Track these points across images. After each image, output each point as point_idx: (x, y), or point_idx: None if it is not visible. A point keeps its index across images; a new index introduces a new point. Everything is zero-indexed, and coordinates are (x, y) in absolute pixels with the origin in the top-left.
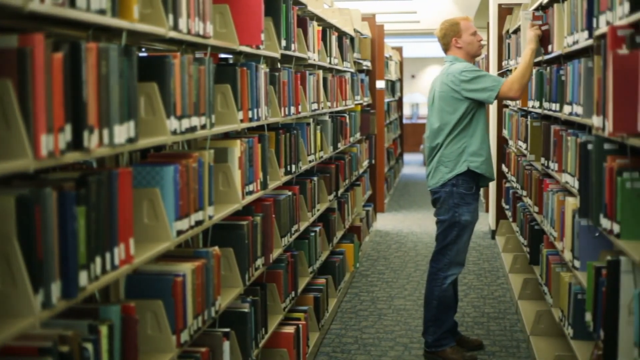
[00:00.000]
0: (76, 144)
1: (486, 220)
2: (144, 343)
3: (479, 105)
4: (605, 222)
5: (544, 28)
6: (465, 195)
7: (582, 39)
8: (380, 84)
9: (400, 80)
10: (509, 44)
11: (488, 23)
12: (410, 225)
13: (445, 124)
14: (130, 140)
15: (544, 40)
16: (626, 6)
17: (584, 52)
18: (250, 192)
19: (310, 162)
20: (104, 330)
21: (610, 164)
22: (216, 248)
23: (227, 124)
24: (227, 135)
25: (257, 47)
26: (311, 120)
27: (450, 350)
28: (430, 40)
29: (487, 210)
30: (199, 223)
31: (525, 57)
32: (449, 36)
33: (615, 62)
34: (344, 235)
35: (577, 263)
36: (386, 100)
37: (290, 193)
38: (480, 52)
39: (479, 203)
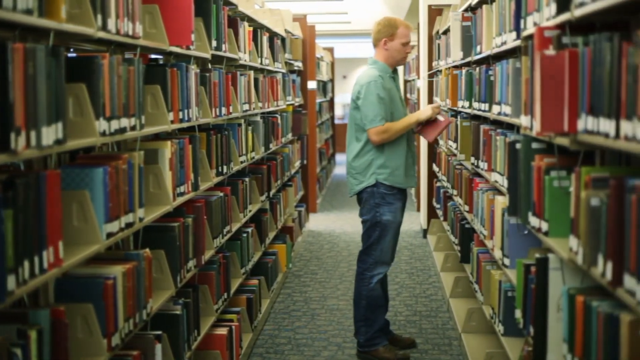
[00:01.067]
0: (3, 145)
1: (418, 220)
2: (75, 347)
3: (391, 116)
4: (533, 220)
5: (441, 118)
6: (386, 195)
7: (510, 40)
8: (311, 85)
9: (332, 80)
10: (438, 44)
11: (418, 24)
12: (343, 225)
13: (353, 134)
14: (59, 142)
15: (432, 126)
16: (553, 7)
17: (512, 53)
18: (182, 194)
19: (241, 162)
20: (33, 334)
21: (538, 163)
22: (147, 250)
23: (158, 125)
24: (158, 137)
25: (188, 48)
26: (243, 121)
27: (382, 349)
28: (361, 40)
29: (418, 210)
30: (129, 225)
31: (407, 122)
32: (381, 35)
33: (543, 63)
34: (277, 236)
35: (506, 261)
36: (318, 100)
37: (222, 194)
38: (403, 62)
39: (410, 202)
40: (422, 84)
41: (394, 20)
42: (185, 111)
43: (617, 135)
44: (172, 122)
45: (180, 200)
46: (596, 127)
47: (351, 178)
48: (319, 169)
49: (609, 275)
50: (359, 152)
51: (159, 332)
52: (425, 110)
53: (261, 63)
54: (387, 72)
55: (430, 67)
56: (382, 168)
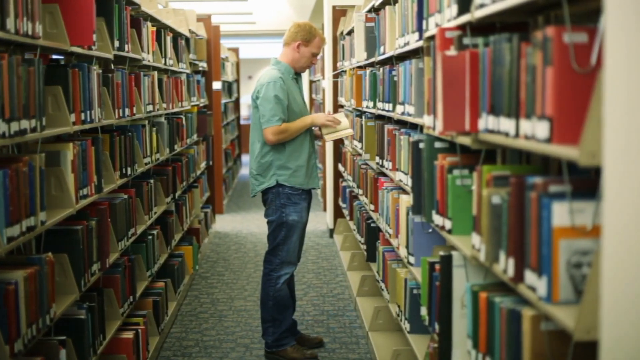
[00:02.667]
0: None
1: (324, 219)
2: None
3: (289, 116)
4: (437, 219)
5: (344, 123)
6: (291, 196)
7: (413, 41)
8: (216, 85)
9: (237, 81)
10: (343, 45)
11: (323, 24)
12: (249, 226)
13: (255, 134)
14: None
15: (334, 131)
16: (454, 9)
17: (415, 53)
18: (85, 196)
19: (146, 164)
20: None
21: (441, 162)
22: (50, 254)
23: (59, 126)
24: (59, 138)
25: (89, 48)
26: (147, 122)
27: (290, 350)
28: (266, 41)
29: (324, 210)
30: (30, 229)
31: (301, 124)
32: (298, 37)
33: (444, 63)
34: (183, 238)
35: (411, 259)
36: (223, 101)
37: (126, 196)
38: (304, 70)
39: (317, 202)
40: (327, 84)
41: (314, 29)
42: (88, 112)
43: (517, 134)
44: (74, 123)
45: (83, 202)
46: (497, 126)
47: (252, 178)
48: (225, 169)
49: (510, 271)
50: (260, 152)
51: (63, 338)
52: (319, 118)
53: (165, 63)
54: (290, 73)
55: (334, 68)
56: (283, 169)
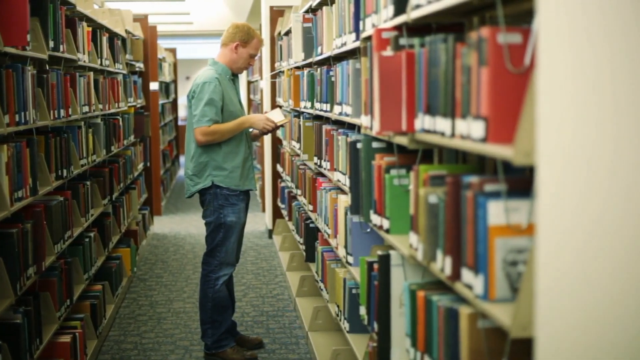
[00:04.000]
0: None
1: (263, 220)
2: None
3: (225, 117)
4: (375, 218)
5: (278, 121)
6: (229, 197)
7: (350, 41)
8: (154, 86)
9: (175, 81)
10: (281, 45)
11: (260, 25)
12: (188, 227)
13: (191, 135)
14: None
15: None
16: (390, 9)
17: (353, 54)
18: (20, 199)
19: (82, 166)
20: None
21: (379, 162)
22: None
23: None
24: None
25: (23, 48)
26: (83, 123)
27: (230, 351)
28: (204, 41)
29: (263, 210)
30: None
31: (235, 125)
32: (236, 38)
33: (381, 64)
34: (120, 240)
35: (350, 259)
36: (160, 102)
37: (62, 198)
38: (241, 72)
39: (255, 202)
40: (265, 85)
41: (252, 30)
42: (22, 113)
43: (453, 134)
44: (7, 125)
45: (18, 205)
46: (433, 126)
47: (187, 179)
48: (162, 171)
49: (447, 270)
50: (196, 153)
51: None
52: (257, 124)
53: (101, 64)
54: (227, 74)
55: (272, 68)
56: (218, 170)
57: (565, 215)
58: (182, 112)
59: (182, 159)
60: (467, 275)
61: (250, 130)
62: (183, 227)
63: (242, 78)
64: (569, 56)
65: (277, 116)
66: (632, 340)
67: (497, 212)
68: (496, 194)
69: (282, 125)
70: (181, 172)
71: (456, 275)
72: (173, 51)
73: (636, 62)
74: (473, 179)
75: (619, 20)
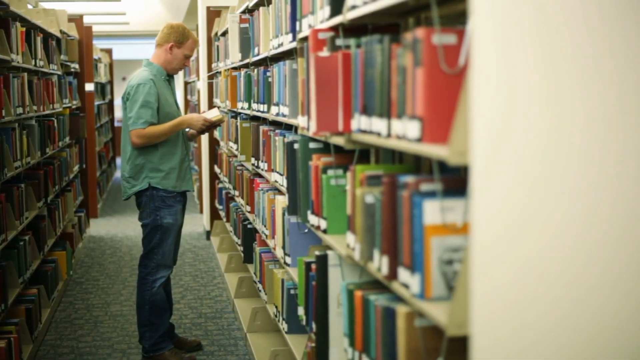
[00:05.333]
0: None
1: (201, 222)
2: None
3: (161, 118)
4: (313, 219)
5: (214, 118)
6: (166, 198)
7: (287, 42)
8: (89, 87)
9: (111, 82)
10: (218, 46)
11: (197, 25)
12: (125, 230)
13: (126, 136)
14: None
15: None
16: (326, 10)
17: (289, 54)
18: None
19: (16, 168)
20: None
21: (316, 163)
22: None
23: None
24: None
25: None
26: (16, 125)
27: (168, 353)
28: (140, 42)
29: (201, 212)
30: None
31: (170, 127)
32: (171, 38)
33: (317, 64)
34: (56, 243)
35: (288, 259)
36: (96, 103)
37: None
38: (176, 73)
39: (193, 204)
40: (202, 85)
41: (187, 31)
42: None
43: (389, 134)
44: None
45: None
46: (369, 126)
47: (124, 181)
48: (99, 172)
49: (384, 269)
50: (132, 154)
51: None
52: (194, 124)
53: (35, 65)
54: (162, 74)
55: (209, 69)
56: (155, 171)
57: (500, 214)
58: (118, 114)
59: (118, 160)
60: (403, 274)
61: (187, 130)
62: (120, 229)
63: (179, 79)
64: (503, 57)
65: (214, 115)
66: (566, 336)
67: (432, 211)
68: (432, 193)
69: (218, 125)
70: (118, 174)
71: (393, 274)
72: (109, 52)
73: (568, 61)
74: (409, 179)
75: (551, 20)
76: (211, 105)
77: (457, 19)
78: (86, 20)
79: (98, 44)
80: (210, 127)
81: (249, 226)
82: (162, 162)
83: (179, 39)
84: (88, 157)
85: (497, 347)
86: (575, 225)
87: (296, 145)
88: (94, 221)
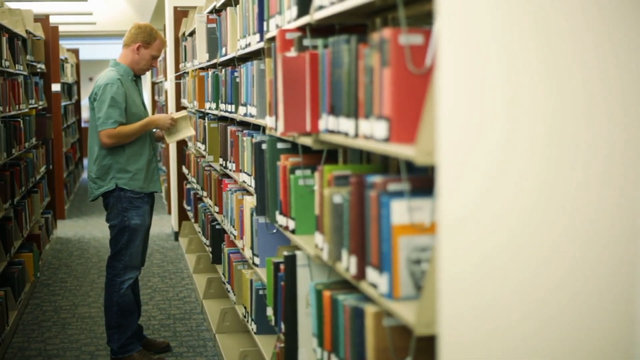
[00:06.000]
0: None
1: (169, 222)
2: None
3: (128, 118)
4: (281, 219)
5: (178, 115)
6: (133, 199)
7: (254, 42)
8: (56, 87)
9: (78, 83)
10: (185, 46)
11: (165, 25)
12: (92, 231)
13: (93, 137)
14: None
15: (176, 133)
16: (294, 10)
17: (257, 55)
18: None
19: None
20: None
21: (284, 163)
22: None
23: None
24: None
25: None
26: None
27: (137, 355)
28: (107, 42)
29: (169, 212)
30: None
31: (140, 126)
32: (138, 38)
33: (284, 64)
34: (23, 245)
35: (257, 260)
36: (63, 103)
37: None
38: (143, 73)
39: (161, 205)
40: (169, 85)
41: (155, 31)
42: None
43: (357, 134)
44: None
45: None
46: (337, 126)
47: (91, 182)
48: (66, 173)
49: (353, 269)
50: (99, 155)
51: None
52: (162, 124)
53: (1, 65)
54: (129, 75)
55: (177, 69)
56: (122, 172)
57: (467, 213)
58: (85, 114)
59: (85, 161)
60: (372, 274)
61: (154, 131)
62: (87, 230)
63: (147, 79)
64: (469, 57)
65: (183, 119)
66: (534, 334)
67: (400, 211)
68: (399, 193)
69: (189, 138)
70: (85, 175)
71: (361, 274)
72: (76, 52)
73: (533, 61)
74: (377, 179)
75: (517, 21)
76: (178, 106)
77: (424, 20)
78: (52, 20)
79: (64, 44)
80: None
81: (217, 227)
82: (130, 163)
83: (146, 39)
84: (55, 158)
85: (464, 346)
86: (542, 224)
87: (264, 146)
88: (61, 222)
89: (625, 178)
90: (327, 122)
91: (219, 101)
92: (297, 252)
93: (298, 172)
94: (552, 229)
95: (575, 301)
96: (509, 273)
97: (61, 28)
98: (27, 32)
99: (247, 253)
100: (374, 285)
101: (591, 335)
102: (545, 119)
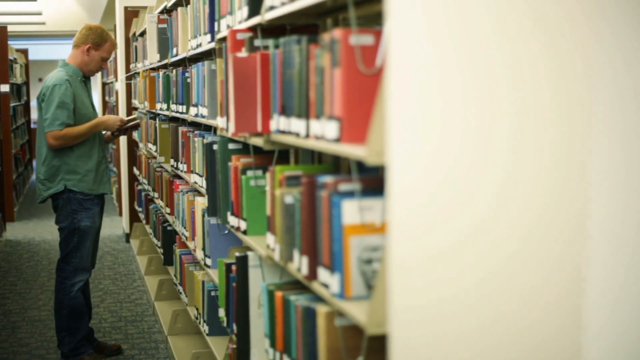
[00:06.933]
0: None
1: (120, 224)
2: None
3: (77, 119)
4: (232, 220)
5: (132, 123)
6: (83, 201)
7: (205, 42)
8: (4, 88)
9: (27, 83)
10: (136, 46)
11: (115, 25)
12: (42, 233)
13: (41, 138)
14: None
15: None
16: (245, 11)
17: (208, 55)
18: None
19: None
20: None
21: (235, 164)
22: None
23: None
24: None
25: None
26: None
27: (88, 358)
28: (57, 42)
29: (120, 214)
30: None
31: (88, 128)
32: (89, 40)
33: (235, 65)
34: None
35: (208, 261)
36: (12, 104)
37: None
38: (93, 74)
39: (112, 206)
40: (120, 86)
41: (106, 33)
42: None
43: (308, 135)
44: None
45: None
46: (288, 127)
47: (39, 184)
48: (15, 175)
49: (304, 270)
50: (48, 156)
51: None
52: (111, 125)
53: None
54: (78, 75)
55: (128, 70)
56: (71, 174)
57: (417, 213)
58: (34, 115)
59: (35, 163)
60: (323, 274)
61: (104, 132)
62: (37, 233)
63: (97, 80)
64: (419, 57)
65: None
66: (484, 333)
67: (351, 211)
68: (350, 193)
69: (136, 128)
70: (34, 176)
71: (313, 274)
72: (25, 52)
73: (484, 61)
74: (328, 179)
75: (467, 21)
76: (129, 107)
77: (374, 20)
78: (1, 20)
79: (13, 45)
80: (126, 129)
81: (168, 228)
82: (79, 164)
83: (96, 40)
84: (4, 159)
85: (415, 345)
86: (492, 223)
87: (215, 146)
88: (11, 225)
89: (574, 178)
90: (278, 122)
91: (170, 102)
92: (249, 253)
93: (249, 173)
94: (502, 228)
95: (525, 299)
96: (459, 272)
97: (10, 28)
98: None
99: (199, 254)
100: (326, 285)
101: (540, 332)
102: (496, 118)
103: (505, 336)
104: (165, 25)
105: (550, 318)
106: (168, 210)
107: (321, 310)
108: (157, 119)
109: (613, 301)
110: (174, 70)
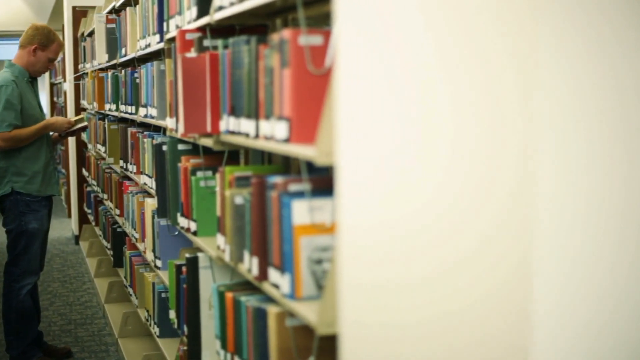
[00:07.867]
0: None
1: (69, 226)
2: None
3: (24, 121)
4: (182, 221)
5: (79, 125)
6: (30, 203)
7: (154, 43)
8: None
9: None
10: (84, 47)
11: (63, 25)
12: None
13: None
14: None
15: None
16: (194, 11)
17: (157, 55)
18: None
19: None
20: None
21: (185, 164)
22: None
23: None
24: None
25: None
26: None
27: None
28: (3, 42)
29: (69, 216)
30: None
31: (36, 129)
32: (35, 40)
33: (184, 65)
34: None
35: (159, 262)
36: None
37: None
38: (39, 75)
39: (61, 208)
40: (68, 87)
41: (53, 34)
42: None
43: (257, 135)
44: None
45: None
46: (237, 127)
47: None
48: None
49: (255, 270)
50: None
51: None
52: (59, 127)
53: None
54: (25, 76)
55: (76, 70)
56: (18, 176)
57: (366, 213)
58: None
59: None
60: (274, 274)
61: (51, 134)
62: None
63: (45, 80)
64: (368, 57)
65: (77, 117)
66: (434, 334)
67: (301, 211)
68: (300, 193)
69: (84, 129)
70: None
71: (263, 275)
72: None
73: (434, 62)
74: (277, 179)
75: (416, 22)
76: (78, 107)
77: (323, 20)
78: None
79: None
80: (75, 130)
81: (118, 230)
82: (26, 166)
83: (43, 41)
84: None
85: (365, 345)
86: (442, 224)
87: (165, 147)
88: None
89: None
90: (227, 123)
91: (119, 102)
92: (199, 254)
93: (199, 174)
94: (452, 228)
95: (474, 299)
96: (409, 272)
97: None
98: None
99: (149, 256)
100: (276, 286)
101: (489, 331)
102: (445, 119)
103: (456, 336)
104: (113, 25)
105: (500, 315)
106: (118, 211)
107: (272, 310)
108: (106, 120)
109: (560, 298)
110: (123, 71)
